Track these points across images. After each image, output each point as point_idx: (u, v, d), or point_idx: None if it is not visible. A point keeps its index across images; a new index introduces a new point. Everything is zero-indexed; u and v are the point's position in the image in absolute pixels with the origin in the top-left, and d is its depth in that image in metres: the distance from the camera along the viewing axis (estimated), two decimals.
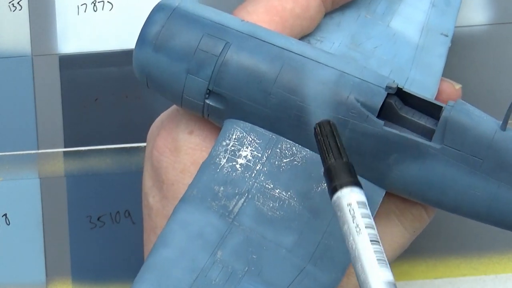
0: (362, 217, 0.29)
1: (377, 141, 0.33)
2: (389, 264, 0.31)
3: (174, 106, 0.38)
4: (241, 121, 0.34)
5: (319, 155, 0.32)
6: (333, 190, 0.30)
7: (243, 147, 0.34)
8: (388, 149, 0.33)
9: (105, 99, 0.49)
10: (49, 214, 0.49)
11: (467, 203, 0.33)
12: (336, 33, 0.37)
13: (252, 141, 0.34)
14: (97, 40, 0.49)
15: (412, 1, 0.39)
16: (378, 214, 0.35)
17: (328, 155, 0.30)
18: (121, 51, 0.49)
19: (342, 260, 0.32)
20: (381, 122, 0.33)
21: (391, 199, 0.35)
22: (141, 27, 0.35)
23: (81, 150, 0.49)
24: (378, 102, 0.33)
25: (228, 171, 0.34)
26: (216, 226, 0.33)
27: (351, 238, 0.29)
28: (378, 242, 0.29)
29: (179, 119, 0.37)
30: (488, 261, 0.47)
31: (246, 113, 0.34)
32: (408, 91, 0.33)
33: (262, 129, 0.34)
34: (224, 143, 0.34)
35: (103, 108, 0.49)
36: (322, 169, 0.31)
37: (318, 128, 0.31)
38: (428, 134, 0.33)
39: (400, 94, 0.33)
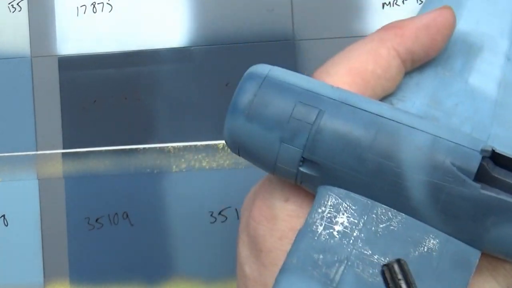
0: None
1: (474, 204, 0.32)
2: None
3: (265, 177, 0.38)
4: (336, 188, 0.34)
5: (415, 219, 0.32)
6: None
7: (339, 214, 0.34)
8: (485, 212, 0.32)
9: (104, 101, 0.49)
10: (47, 215, 0.49)
11: None
12: (416, 93, 0.37)
13: (348, 207, 0.34)
14: (97, 42, 0.49)
15: (487, 57, 0.39)
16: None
17: None
18: (120, 52, 0.49)
19: None
20: (478, 185, 0.32)
21: (484, 255, 0.35)
22: (233, 96, 0.35)
23: (80, 152, 0.49)
24: (474, 166, 0.32)
25: (326, 238, 0.33)
26: None
27: None
28: None
29: (273, 188, 0.37)
30: None
31: (340, 180, 0.34)
32: (502, 153, 0.33)
33: (357, 195, 0.34)
34: (320, 210, 0.34)
35: (102, 110, 0.49)
36: None
37: (388, 271, 0.31)
38: None
39: (492, 155, 0.33)
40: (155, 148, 0.49)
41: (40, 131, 0.49)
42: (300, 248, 0.33)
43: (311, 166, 0.34)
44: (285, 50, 0.49)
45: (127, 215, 0.49)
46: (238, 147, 0.36)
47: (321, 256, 0.33)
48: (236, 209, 0.49)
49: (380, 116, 0.34)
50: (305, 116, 0.34)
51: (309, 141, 0.34)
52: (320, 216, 0.34)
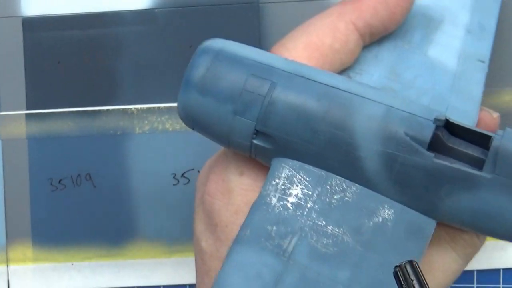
0: None
1: (428, 173, 0.33)
2: None
3: (220, 151, 0.38)
4: (290, 160, 0.34)
5: (369, 190, 0.33)
6: None
7: (293, 186, 0.34)
8: (439, 181, 0.33)
9: (68, 62, 0.49)
10: (10, 176, 0.49)
11: None
12: (374, 65, 0.38)
13: (302, 179, 0.34)
14: (61, 3, 0.49)
15: (447, 29, 0.39)
16: (431, 243, 0.34)
17: None
18: (84, 14, 0.49)
19: None
20: (431, 155, 0.33)
21: (442, 226, 0.35)
22: (185, 71, 0.35)
23: (43, 113, 0.49)
24: (428, 135, 0.33)
25: (279, 210, 0.34)
26: (272, 265, 0.33)
27: None
28: None
29: (228, 162, 0.37)
30: None
31: (294, 152, 0.34)
32: (456, 122, 0.33)
33: (311, 166, 0.34)
34: (274, 182, 0.34)
35: (65, 71, 0.49)
36: None
37: (401, 272, 0.29)
38: (477, 163, 0.33)
39: (447, 124, 0.33)
40: (119, 109, 0.49)
41: (3, 92, 0.49)
42: (253, 220, 0.34)
43: (264, 139, 0.34)
44: (249, 12, 0.49)
45: (90, 177, 0.49)
46: (192, 121, 0.36)
47: (274, 228, 0.33)
48: (198, 171, 0.49)
49: (333, 87, 0.34)
50: (257, 88, 0.34)
51: (261, 113, 0.34)
52: (274, 188, 0.34)
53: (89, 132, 0.49)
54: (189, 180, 0.49)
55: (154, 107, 0.49)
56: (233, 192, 0.36)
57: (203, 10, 0.49)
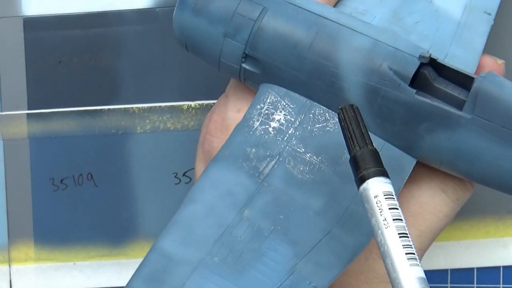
0: (389, 208, 0.29)
1: (408, 109, 0.33)
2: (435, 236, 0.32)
3: (222, 95, 0.39)
4: (276, 86, 0.35)
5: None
6: (359, 180, 0.30)
7: (276, 111, 0.35)
8: (419, 118, 0.33)
9: (69, 62, 0.49)
10: (12, 176, 0.49)
11: (495, 174, 0.33)
12: (378, 7, 0.38)
13: (286, 105, 0.35)
14: (62, 3, 0.49)
15: None
16: (420, 184, 0.35)
17: (353, 143, 0.31)
18: (85, 13, 0.49)
19: (369, 226, 0.32)
20: (413, 90, 0.33)
21: (432, 169, 0.35)
22: None
23: (45, 113, 0.49)
24: (411, 71, 0.33)
25: (260, 134, 0.34)
26: (246, 185, 0.33)
27: (379, 232, 0.29)
28: (407, 235, 0.29)
29: (228, 101, 0.38)
30: None
31: (281, 78, 0.35)
32: (442, 62, 0.33)
33: (296, 94, 0.35)
34: (258, 107, 0.35)
35: (67, 71, 0.49)
36: (348, 157, 0.31)
37: (342, 114, 0.31)
38: (460, 105, 0.33)
39: (435, 65, 0.34)
40: (120, 109, 0.49)
41: (5, 92, 0.49)
42: (234, 141, 0.34)
43: (252, 63, 0.35)
44: None
45: (91, 176, 0.49)
46: (185, 40, 0.37)
47: (253, 150, 0.34)
48: None
49: (323, 17, 0.34)
50: (249, 13, 0.35)
51: (250, 37, 0.35)
52: (258, 112, 0.35)
53: (90, 131, 0.49)
54: (190, 179, 0.49)
55: (155, 106, 0.49)
56: (229, 128, 0.36)
57: None
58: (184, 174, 0.49)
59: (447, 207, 0.36)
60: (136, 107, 0.49)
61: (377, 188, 0.29)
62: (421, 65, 0.33)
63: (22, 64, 0.49)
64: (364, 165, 0.30)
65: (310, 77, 0.34)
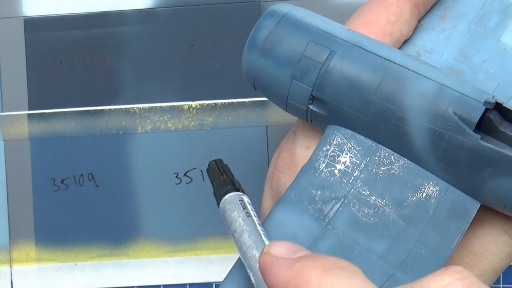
0: (251, 209, 0.33)
1: (473, 154, 0.33)
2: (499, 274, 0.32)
3: (291, 130, 0.39)
4: (342, 128, 0.35)
5: (416, 165, 0.33)
6: (222, 195, 0.34)
7: (342, 153, 0.35)
8: (483, 163, 0.33)
9: (70, 62, 0.49)
10: (12, 176, 0.49)
11: None
12: (445, 46, 0.38)
13: (352, 147, 0.35)
14: (63, 3, 0.49)
15: None
16: (483, 224, 0.35)
17: (214, 183, 0.35)
18: (86, 14, 0.49)
19: (433, 269, 0.32)
20: (478, 136, 0.33)
21: (496, 210, 0.35)
22: (251, 32, 0.36)
23: (45, 113, 0.49)
24: (476, 117, 0.33)
25: (326, 176, 0.34)
26: (310, 229, 0.33)
27: (240, 219, 0.32)
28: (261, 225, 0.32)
29: (296, 139, 0.38)
30: None
31: (347, 120, 0.35)
32: (507, 107, 0.33)
33: (362, 136, 0.35)
34: (325, 148, 0.35)
35: (67, 71, 0.49)
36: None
37: (214, 163, 0.36)
38: None
39: (501, 109, 0.33)
40: (121, 109, 0.49)
41: (6, 92, 0.49)
42: (300, 183, 0.34)
43: (319, 105, 0.35)
44: (251, 11, 0.49)
45: (92, 176, 0.49)
46: (253, 80, 0.37)
47: (319, 192, 0.34)
48: (201, 171, 0.49)
49: (389, 60, 0.34)
50: (317, 55, 0.35)
51: (318, 80, 0.35)
52: (324, 154, 0.35)
53: (91, 132, 0.49)
54: (191, 179, 0.49)
55: (156, 107, 0.49)
56: (299, 166, 0.36)
57: (205, 9, 0.49)
58: (185, 174, 0.49)
59: (510, 248, 0.36)
60: (137, 107, 0.49)
61: (241, 196, 0.34)
62: (488, 109, 0.33)
63: (23, 65, 0.49)
64: (219, 193, 0.35)
65: (375, 120, 0.34)
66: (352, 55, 0.35)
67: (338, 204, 0.34)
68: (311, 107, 0.35)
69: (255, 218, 0.32)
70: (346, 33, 0.35)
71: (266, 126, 0.49)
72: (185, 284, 0.49)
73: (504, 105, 0.33)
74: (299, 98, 0.36)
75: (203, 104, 0.49)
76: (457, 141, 0.33)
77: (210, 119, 0.49)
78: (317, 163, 0.35)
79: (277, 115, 0.48)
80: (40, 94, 0.49)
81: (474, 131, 0.33)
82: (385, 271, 0.32)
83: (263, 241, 0.31)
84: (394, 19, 0.37)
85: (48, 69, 0.49)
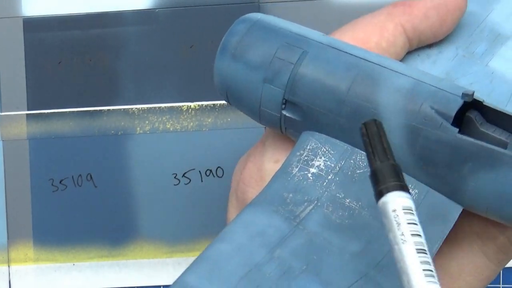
0: (407, 223, 0.28)
1: (451, 149, 0.32)
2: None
3: (259, 140, 0.38)
4: (317, 133, 0.34)
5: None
6: (378, 194, 0.29)
7: (316, 157, 0.34)
8: (462, 158, 0.32)
9: (69, 62, 0.49)
10: (11, 177, 0.49)
11: None
12: (431, 70, 0.37)
13: (326, 151, 0.34)
14: (62, 3, 0.49)
15: None
16: (462, 246, 0.34)
17: (374, 157, 0.29)
18: (85, 14, 0.49)
19: None
20: (455, 129, 0.32)
21: (473, 229, 0.35)
22: (223, 38, 0.35)
23: (44, 113, 0.49)
24: (453, 109, 0.32)
25: (299, 179, 0.33)
26: (279, 227, 0.32)
27: (396, 247, 0.28)
28: (425, 251, 0.28)
29: (265, 150, 0.37)
30: None
31: (321, 124, 0.34)
32: (488, 104, 0.32)
33: (337, 140, 0.34)
34: (298, 153, 0.34)
35: (66, 71, 0.49)
36: (369, 172, 0.30)
37: (364, 129, 0.30)
38: (504, 145, 0.32)
39: (482, 109, 0.32)
40: (120, 109, 0.49)
41: (4, 93, 0.49)
42: (271, 187, 0.33)
43: (292, 109, 0.34)
44: (250, 12, 0.49)
45: (91, 177, 0.49)
46: (226, 89, 0.36)
47: (290, 195, 0.33)
48: (199, 171, 0.49)
49: (363, 59, 0.34)
50: (288, 56, 0.34)
51: (289, 81, 0.34)
52: (297, 159, 0.34)
53: (90, 132, 0.49)
54: (190, 180, 0.49)
55: (155, 107, 0.49)
56: (265, 180, 0.35)
57: (204, 10, 0.49)
58: (183, 175, 0.49)
59: (489, 270, 0.35)
60: (136, 108, 0.49)
61: (396, 202, 0.28)
62: (468, 109, 0.32)
63: (22, 65, 0.49)
64: (384, 179, 0.29)
65: (350, 121, 0.33)
66: (325, 55, 0.34)
67: (311, 206, 0.33)
68: (284, 112, 0.34)
69: (412, 241, 0.28)
70: (320, 36, 0.35)
71: (265, 127, 0.49)
72: None
73: (484, 103, 0.32)
74: (271, 103, 0.34)
75: (202, 105, 0.49)
76: (435, 136, 0.32)
77: (209, 120, 0.49)
78: (289, 168, 0.33)
79: None
80: (39, 94, 0.49)
81: (452, 125, 0.32)
82: (358, 270, 0.31)
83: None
84: (384, 46, 0.36)
85: (47, 69, 0.49)
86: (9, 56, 0.49)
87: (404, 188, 0.29)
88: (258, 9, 0.49)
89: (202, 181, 0.49)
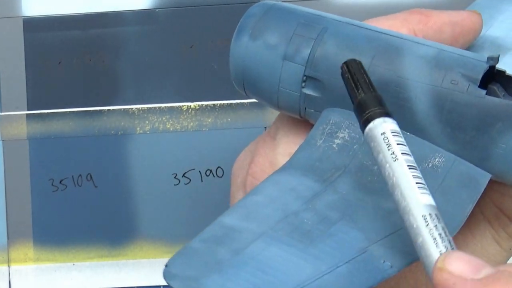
0: (397, 144, 0.28)
1: (479, 111, 0.32)
2: None
3: (265, 134, 0.37)
4: (338, 109, 0.34)
5: (420, 139, 0.32)
6: (364, 122, 0.29)
7: (340, 130, 0.33)
8: (491, 119, 0.32)
9: (69, 62, 0.49)
10: (11, 176, 0.49)
11: None
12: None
13: (350, 124, 0.33)
14: (62, 3, 0.49)
15: None
16: (474, 233, 0.34)
17: (358, 91, 0.30)
18: (85, 14, 0.49)
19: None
20: (483, 91, 0.31)
21: (486, 217, 0.35)
22: (240, 21, 0.35)
23: (44, 113, 0.49)
24: (479, 73, 0.32)
25: (324, 150, 0.33)
26: (311, 186, 0.32)
27: (388, 165, 0.28)
28: (416, 168, 0.28)
29: (277, 143, 0.36)
30: None
31: (343, 98, 0.33)
32: (510, 73, 0.32)
33: None
34: (321, 128, 0.34)
35: (66, 71, 0.49)
36: (353, 107, 0.30)
37: (346, 67, 0.31)
38: None
39: (503, 82, 0.32)
40: (120, 109, 0.49)
41: (4, 93, 0.49)
42: (297, 157, 0.33)
43: (313, 86, 0.34)
44: None
45: (91, 177, 0.49)
46: (242, 73, 0.35)
47: (317, 163, 0.33)
48: (199, 171, 0.49)
49: (383, 33, 0.34)
50: (308, 33, 0.34)
51: (310, 56, 0.34)
52: (321, 132, 0.33)
53: (90, 132, 0.49)
54: (190, 180, 0.49)
55: (155, 107, 0.49)
56: None
57: (204, 10, 0.49)
58: (183, 175, 0.49)
59: (500, 256, 0.35)
60: (136, 108, 0.49)
61: (384, 126, 0.29)
62: (490, 81, 0.32)
63: (22, 65, 0.49)
64: (370, 107, 0.29)
65: None
66: (345, 30, 0.34)
67: (339, 172, 0.32)
68: (304, 90, 0.34)
69: (403, 159, 0.28)
70: (335, 16, 0.35)
71: (265, 127, 0.49)
72: None
73: (507, 73, 0.32)
74: (291, 81, 0.34)
75: (202, 105, 0.49)
76: (462, 99, 0.32)
77: (209, 120, 0.49)
78: (313, 140, 0.33)
79: (276, 116, 0.48)
80: (39, 94, 0.49)
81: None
82: (394, 223, 0.31)
83: (417, 197, 0.27)
84: None
85: (47, 69, 0.49)
86: (9, 56, 0.49)
87: (390, 115, 0.29)
88: None
89: (202, 181, 0.49)
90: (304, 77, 0.34)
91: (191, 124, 0.49)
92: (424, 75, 0.32)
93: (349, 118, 0.34)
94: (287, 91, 0.35)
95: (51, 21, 0.49)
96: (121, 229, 0.49)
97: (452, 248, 0.26)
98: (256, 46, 0.34)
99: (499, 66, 0.34)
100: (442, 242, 0.26)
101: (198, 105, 0.49)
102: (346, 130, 0.33)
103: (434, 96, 0.32)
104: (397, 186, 0.28)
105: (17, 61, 0.49)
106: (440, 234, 0.27)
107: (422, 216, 0.27)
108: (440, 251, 0.26)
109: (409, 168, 0.28)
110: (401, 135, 0.29)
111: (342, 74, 0.31)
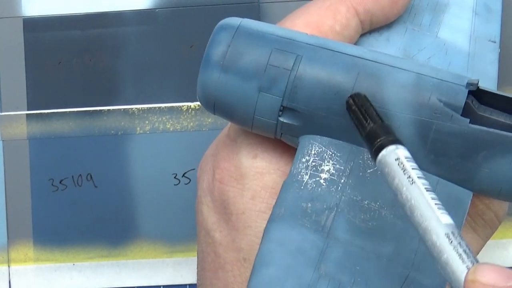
0: (412, 169, 0.29)
1: (464, 140, 0.32)
2: None
3: (225, 137, 0.37)
4: (318, 136, 0.33)
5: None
6: (376, 150, 0.29)
7: (324, 162, 0.33)
8: (476, 147, 0.32)
9: (69, 62, 0.49)
10: (11, 176, 0.49)
11: None
12: (387, 48, 0.37)
13: (333, 154, 0.33)
14: (62, 3, 0.49)
15: (455, 11, 0.39)
16: None
17: (367, 121, 0.30)
18: (85, 14, 0.49)
19: None
20: (467, 120, 0.32)
21: None
22: (205, 50, 0.34)
23: (44, 113, 0.49)
24: (461, 100, 0.32)
25: (312, 187, 0.33)
26: (313, 241, 0.32)
27: (405, 189, 0.28)
28: (432, 190, 0.28)
29: (239, 147, 0.36)
30: None
31: (322, 127, 0.33)
32: (486, 89, 0.32)
33: (341, 141, 0.33)
34: (304, 160, 0.33)
35: (66, 71, 0.49)
36: (361, 138, 0.30)
37: (352, 100, 0.31)
38: (509, 129, 0.32)
39: (476, 93, 0.33)
40: (120, 109, 0.49)
41: (4, 92, 0.49)
42: (286, 199, 0.33)
43: (291, 115, 0.33)
44: (250, 12, 0.49)
45: (91, 177, 0.49)
46: (213, 102, 0.34)
47: (309, 205, 0.32)
48: None
49: (360, 58, 0.33)
50: (283, 62, 0.33)
51: (288, 87, 0.33)
52: (304, 165, 0.33)
53: (90, 132, 0.49)
54: (190, 180, 0.49)
55: (155, 107, 0.49)
56: (247, 177, 0.35)
57: (204, 10, 0.49)
58: (183, 175, 0.49)
59: (477, 244, 0.36)
60: (136, 108, 0.49)
61: (397, 152, 0.29)
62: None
63: (22, 65, 0.49)
64: (380, 136, 0.30)
65: None
66: (320, 57, 0.33)
67: (333, 214, 0.32)
68: (281, 119, 0.33)
69: (420, 182, 0.29)
70: (306, 37, 0.34)
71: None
72: (184, 285, 0.49)
73: (482, 88, 0.32)
74: (267, 111, 0.33)
75: None
76: (446, 128, 0.32)
77: (209, 120, 0.49)
78: (299, 176, 0.33)
79: None
80: (39, 94, 0.49)
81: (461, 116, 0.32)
82: (399, 273, 0.32)
83: (437, 217, 0.28)
84: (338, 30, 0.36)
85: (47, 69, 0.49)
86: (9, 56, 0.49)
87: (401, 142, 0.30)
88: (258, 9, 0.49)
89: None
90: (281, 107, 0.33)
91: (191, 124, 0.49)
92: (406, 107, 0.32)
93: (330, 146, 0.33)
94: (263, 119, 0.34)
95: (51, 21, 0.49)
96: (121, 229, 0.49)
97: (477, 262, 0.27)
98: (228, 78, 0.33)
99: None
100: (467, 258, 0.27)
101: (198, 105, 0.49)
102: (330, 161, 0.33)
103: (417, 126, 0.32)
104: (416, 208, 0.28)
105: (17, 61, 0.49)
106: (464, 251, 0.27)
107: (445, 234, 0.28)
108: (467, 266, 0.27)
109: (427, 191, 0.29)
110: (414, 161, 0.29)
111: (348, 107, 0.31)
